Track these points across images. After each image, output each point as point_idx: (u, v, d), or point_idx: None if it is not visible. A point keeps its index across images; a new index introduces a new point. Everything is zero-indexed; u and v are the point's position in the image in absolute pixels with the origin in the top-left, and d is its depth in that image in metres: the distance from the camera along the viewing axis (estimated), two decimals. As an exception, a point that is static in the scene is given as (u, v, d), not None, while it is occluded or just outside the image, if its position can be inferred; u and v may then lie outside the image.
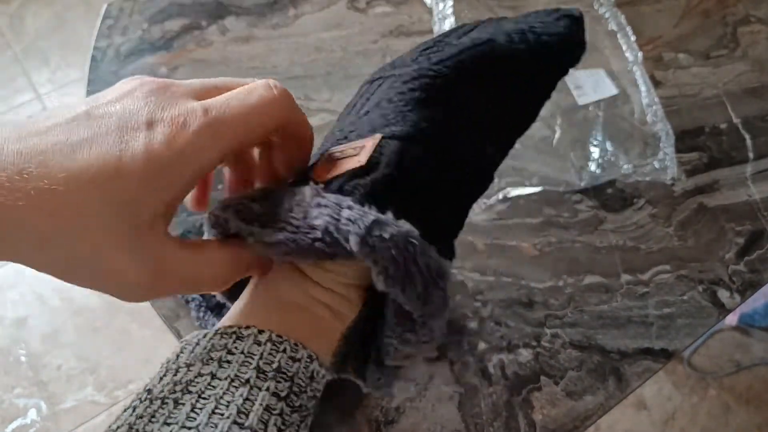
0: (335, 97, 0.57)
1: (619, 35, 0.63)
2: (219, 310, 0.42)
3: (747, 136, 0.60)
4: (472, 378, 0.47)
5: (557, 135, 0.57)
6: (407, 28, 0.65)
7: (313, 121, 0.59)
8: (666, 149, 0.56)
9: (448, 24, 0.63)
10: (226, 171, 0.30)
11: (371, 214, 0.23)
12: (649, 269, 0.52)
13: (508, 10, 0.65)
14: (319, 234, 0.23)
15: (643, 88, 0.60)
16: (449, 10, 0.64)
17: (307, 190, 0.25)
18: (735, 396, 1.25)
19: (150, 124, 0.22)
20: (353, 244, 0.23)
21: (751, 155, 0.59)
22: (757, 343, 1.28)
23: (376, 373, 0.32)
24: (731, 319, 1.27)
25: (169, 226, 0.25)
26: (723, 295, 0.51)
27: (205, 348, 0.24)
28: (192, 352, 0.24)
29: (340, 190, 0.25)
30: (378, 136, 0.28)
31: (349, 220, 0.23)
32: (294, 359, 0.25)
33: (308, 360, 0.25)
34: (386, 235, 0.23)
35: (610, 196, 0.56)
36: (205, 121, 0.22)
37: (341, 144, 0.29)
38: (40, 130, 0.20)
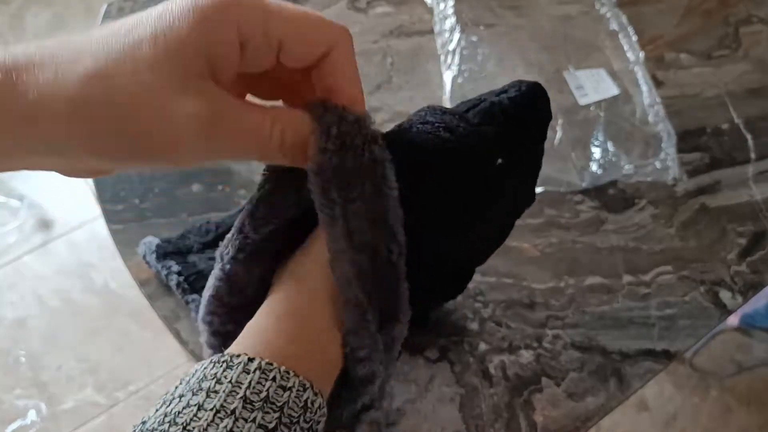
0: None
1: (620, 35, 0.63)
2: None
3: (749, 137, 0.59)
4: (473, 379, 0.47)
5: (558, 135, 0.57)
6: (407, 28, 0.65)
7: (314, 121, 0.59)
8: (667, 149, 0.56)
9: (449, 24, 0.63)
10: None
11: None
12: (650, 270, 0.52)
13: (509, 10, 0.65)
14: None
15: (644, 88, 0.59)
16: (450, 10, 0.64)
17: None
18: (736, 397, 1.25)
19: None
20: None
21: (753, 156, 0.58)
22: (759, 344, 1.28)
23: None
24: (733, 320, 1.27)
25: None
26: (725, 295, 0.51)
27: (197, 377, 0.24)
28: (188, 381, 0.24)
29: None
30: None
31: None
32: (284, 388, 0.24)
33: (300, 388, 0.24)
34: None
35: (611, 196, 0.55)
36: None
37: None
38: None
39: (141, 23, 0.21)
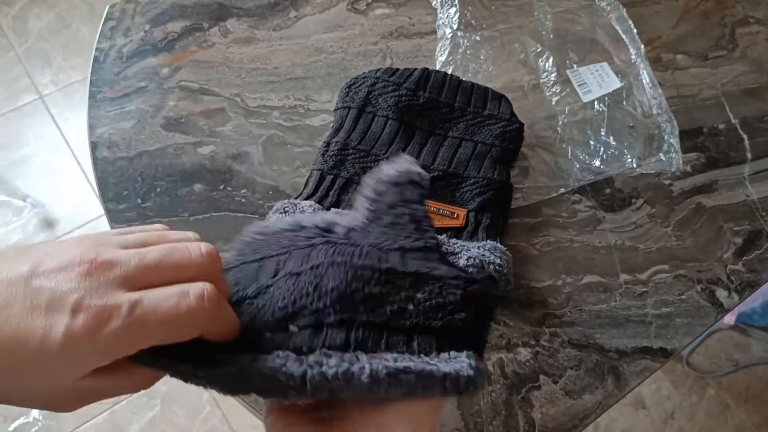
0: (336, 98, 0.57)
1: (621, 29, 0.63)
2: None
3: (745, 137, 0.60)
4: (472, 377, 0.47)
5: (560, 131, 0.58)
6: (407, 29, 0.66)
7: (314, 121, 0.59)
8: (671, 140, 0.56)
9: (451, 24, 0.63)
10: None
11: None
12: (647, 269, 0.52)
13: (510, 9, 0.66)
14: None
15: (646, 80, 0.60)
16: (452, 11, 0.64)
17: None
18: (733, 395, 1.25)
19: (75, 311, 0.23)
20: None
21: (749, 155, 0.59)
22: (756, 342, 1.28)
23: None
24: (729, 318, 1.28)
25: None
26: (721, 294, 0.52)
27: None
28: None
29: None
30: None
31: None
32: None
33: None
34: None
35: (608, 196, 0.56)
36: (128, 321, 0.23)
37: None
38: None
39: (27, 314, 0.23)
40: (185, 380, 0.26)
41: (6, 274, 0.23)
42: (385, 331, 0.27)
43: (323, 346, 0.26)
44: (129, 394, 0.27)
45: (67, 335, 0.22)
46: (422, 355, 0.26)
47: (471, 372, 0.26)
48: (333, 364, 0.25)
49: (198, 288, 0.25)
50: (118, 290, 0.24)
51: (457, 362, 0.26)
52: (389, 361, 0.25)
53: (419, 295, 0.28)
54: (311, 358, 0.25)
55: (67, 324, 0.22)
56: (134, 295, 0.24)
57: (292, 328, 0.27)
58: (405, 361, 0.25)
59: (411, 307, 0.28)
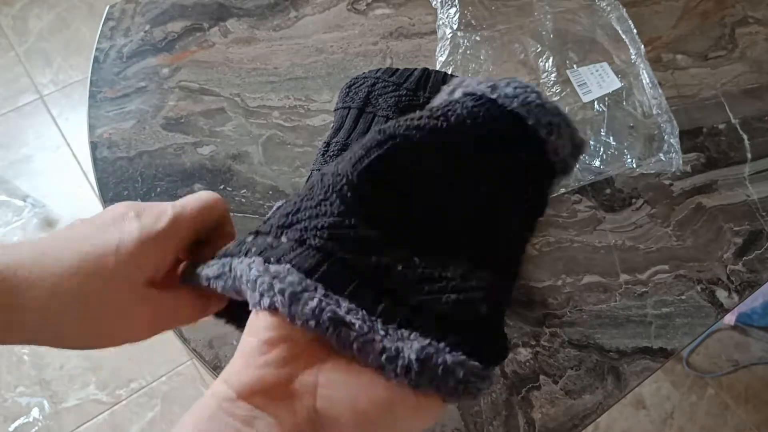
0: (336, 98, 0.57)
1: (621, 29, 0.63)
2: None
3: (745, 137, 0.60)
4: (472, 377, 0.47)
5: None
6: (407, 29, 0.66)
7: (314, 121, 0.59)
8: (671, 140, 0.56)
9: (451, 24, 0.63)
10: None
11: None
12: (647, 269, 0.53)
13: (510, 9, 0.66)
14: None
15: (646, 80, 0.60)
16: (453, 11, 0.64)
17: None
18: (733, 395, 1.25)
19: (138, 215, 0.30)
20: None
21: (749, 155, 0.59)
22: (755, 342, 1.28)
23: None
24: (729, 318, 1.28)
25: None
26: (721, 294, 0.52)
27: None
28: None
29: None
30: None
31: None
32: None
33: None
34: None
35: (608, 196, 0.56)
36: (177, 211, 0.31)
37: None
38: (47, 237, 0.29)
39: (99, 233, 0.29)
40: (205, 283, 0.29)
41: (70, 226, 0.30)
42: (357, 279, 0.26)
43: (290, 262, 0.25)
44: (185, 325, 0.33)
45: (141, 229, 0.29)
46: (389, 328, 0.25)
47: None
48: (289, 282, 0.24)
49: (207, 191, 0.33)
50: (159, 203, 0.31)
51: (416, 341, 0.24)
52: (340, 307, 0.24)
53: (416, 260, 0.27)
54: (273, 268, 0.25)
55: (138, 223, 0.29)
56: (172, 202, 0.31)
57: (283, 238, 0.27)
58: (352, 316, 0.24)
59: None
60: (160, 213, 0.30)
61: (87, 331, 0.28)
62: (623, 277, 0.52)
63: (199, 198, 0.33)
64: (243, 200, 0.55)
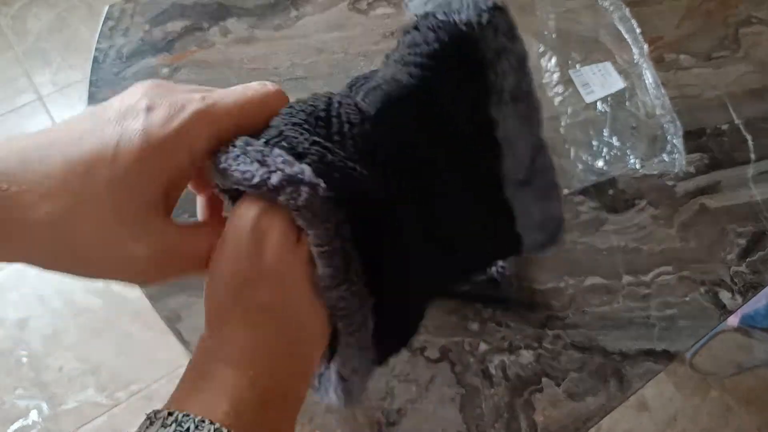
0: (337, 99, 0.57)
1: (623, 28, 0.63)
2: None
3: (749, 137, 0.60)
4: (474, 379, 0.47)
5: (562, 132, 0.57)
6: (408, 29, 0.65)
7: (315, 122, 0.59)
8: (674, 140, 0.56)
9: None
10: (199, 200, 0.30)
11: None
12: (650, 270, 0.52)
13: (512, 10, 0.65)
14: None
15: (649, 80, 0.59)
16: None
17: None
18: (737, 397, 1.25)
19: (149, 109, 0.22)
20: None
21: (752, 156, 0.59)
22: (759, 344, 1.28)
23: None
24: (732, 320, 1.27)
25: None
26: (725, 296, 0.51)
27: None
28: None
29: None
30: None
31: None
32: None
33: None
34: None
35: (611, 197, 0.56)
36: (203, 106, 0.23)
37: None
38: (47, 129, 0.22)
39: (96, 131, 0.22)
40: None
41: (70, 118, 0.23)
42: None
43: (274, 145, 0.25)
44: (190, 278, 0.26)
45: (145, 130, 0.22)
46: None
47: None
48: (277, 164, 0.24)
49: (258, 83, 0.27)
50: (187, 91, 0.24)
51: None
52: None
53: None
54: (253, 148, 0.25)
55: (144, 121, 0.22)
56: (204, 92, 0.24)
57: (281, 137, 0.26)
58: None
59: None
60: (178, 107, 0.23)
61: (74, 260, 0.23)
62: (626, 278, 0.52)
63: (244, 91, 0.26)
64: (243, 201, 0.55)
